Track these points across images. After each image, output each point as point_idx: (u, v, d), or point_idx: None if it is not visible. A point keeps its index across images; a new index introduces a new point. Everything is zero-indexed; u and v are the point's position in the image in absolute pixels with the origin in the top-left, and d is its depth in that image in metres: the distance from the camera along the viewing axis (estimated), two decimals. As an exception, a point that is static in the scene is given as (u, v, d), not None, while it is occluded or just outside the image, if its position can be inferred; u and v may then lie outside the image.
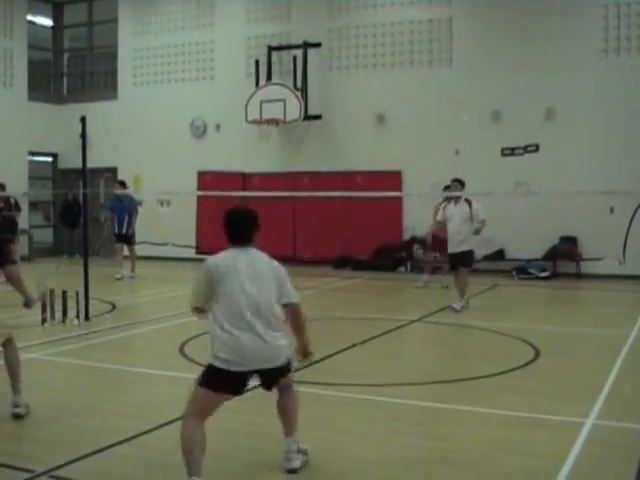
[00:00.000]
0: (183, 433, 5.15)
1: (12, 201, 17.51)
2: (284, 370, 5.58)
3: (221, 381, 5.29)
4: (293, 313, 5.68)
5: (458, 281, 13.69)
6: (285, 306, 5.60)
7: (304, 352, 5.79)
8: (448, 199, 13.93)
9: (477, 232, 13.56)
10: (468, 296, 13.98)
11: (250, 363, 5.29)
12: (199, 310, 5.47)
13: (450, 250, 13.76)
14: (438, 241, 15.33)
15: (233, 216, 5.89)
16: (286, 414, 5.79)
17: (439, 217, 14.01)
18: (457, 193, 13.78)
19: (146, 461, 5.90)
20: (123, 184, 19.42)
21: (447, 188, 14.46)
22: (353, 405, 7.53)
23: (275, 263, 5.77)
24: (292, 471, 5.58)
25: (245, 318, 5.29)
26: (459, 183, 13.91)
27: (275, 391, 5.71)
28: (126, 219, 18.74)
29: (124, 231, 18.80)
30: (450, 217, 13.64)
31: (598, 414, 7.06)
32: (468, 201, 13.57)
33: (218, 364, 5.26)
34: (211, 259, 5.58)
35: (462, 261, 13.63)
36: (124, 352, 10.43)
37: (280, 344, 5.43)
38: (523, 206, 18.38)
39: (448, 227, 13.69)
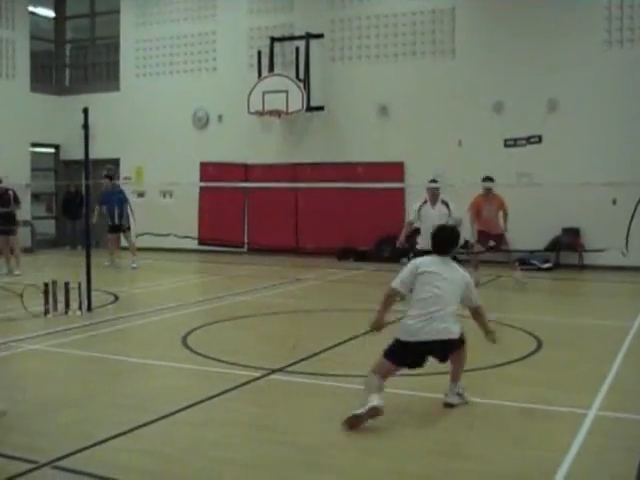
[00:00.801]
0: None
1: (11, 193, 17.44)
2: (457, 342, 7.03)
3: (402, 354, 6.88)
4: (477, 312, 7.34)
5: None
6: (471, 307, 7.26)
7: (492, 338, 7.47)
8: (424, 200, 13.89)
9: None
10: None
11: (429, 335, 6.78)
12: (394, 292, 7.10)
13: (423, 247, 13.25)
14: (484, 236, 16.08)
15: (443, 233, 7.47)
16: (455, 361, 7.16)
17: (412, 217, 13.93)
18: (435, 185, 14.13)
19: (148, 452, 5.90)
20: (110, 178, 19.78)
21: (432, 182, 14.46)
22: (355, 396, 7.51)
23: (464, 272, 7.23)
24: (448, 405, 7.04)
25: (430, 308, 6.81)
26: (435, 183, 14.29)
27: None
28: (116, 210, 19.03)
29: (116, 222, 19.08)
30: (425, 217, 13.57)
31: (600, 405, 7.06)
32: (445, 202, 13.70)
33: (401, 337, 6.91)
34: (420, 259, 7.27)
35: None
36: (126, 343, 10.43)
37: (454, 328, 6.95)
38: (525, 197, 18.35)
39: (423, 227, 13.57)
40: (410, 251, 14.57)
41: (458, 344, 7.08)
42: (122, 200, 19.27)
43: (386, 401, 7.29)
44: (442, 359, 7.06)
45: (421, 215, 13.71)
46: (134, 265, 18.67)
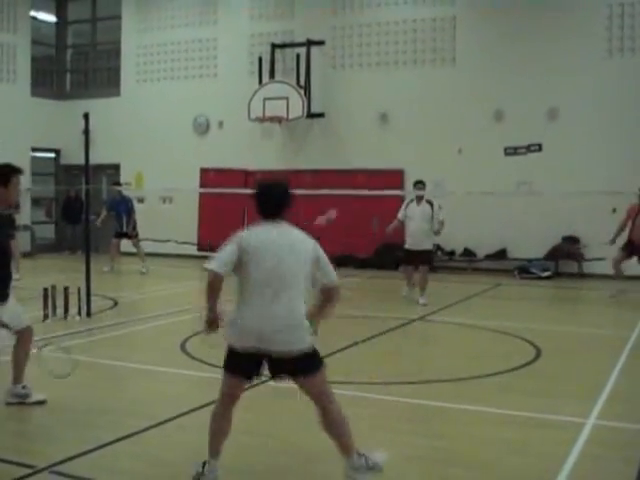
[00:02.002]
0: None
1: None
2: (305, 360, 5.26)
3: (235, 362, 5.30)
4: (329, 295, 5.50)
5: (421, 279, 14.22)
6: (324, 289, 5.46)
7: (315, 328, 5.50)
8: (411, 199, 14.48)
9: (437, 233, 14.37)
10: (469, 295, 13.96)
11: (264, 343, 5.15)
12: (217, 276, 5.26)
13: (409, 247, 14.30)
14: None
15: (266, 187, 5.61)
16: (334, 435, 5.40)
17: (400, 215, 14.44)
18: (421, 192, 14.46)
19: (147, 457, 5.90)
20: (118, 184, 20.11)
21: (417, 184, 14.78)
22: (353, 403, 7.51)
23: (310, 240, 5.54)
24: None
25: (267, 295, 5.19)
26: (423, 184, 14.63)
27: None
28: (124, 218, 19.19)
29: (124, 229, 19.22)
30: (411, 216, 14.14)
31: (599, 414, 7.06)
32: (430, 202, 14.15)
33: (232, 342, 5.29)
34: (243, 232, 5.46)
35: (422, 260, 14.16)
36: (126, 348, 10.43)
37: (298, 327, 5.26)
38: (525, 206, 18.39)
39: (409, 225, 14.22)
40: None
41: (311, 366, 5.37)
42: (130, 209, 19.44)
43: (384, 408, 7.30)
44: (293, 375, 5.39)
45: (407, 214, 14.23)
46: (144, 270, 18.77)
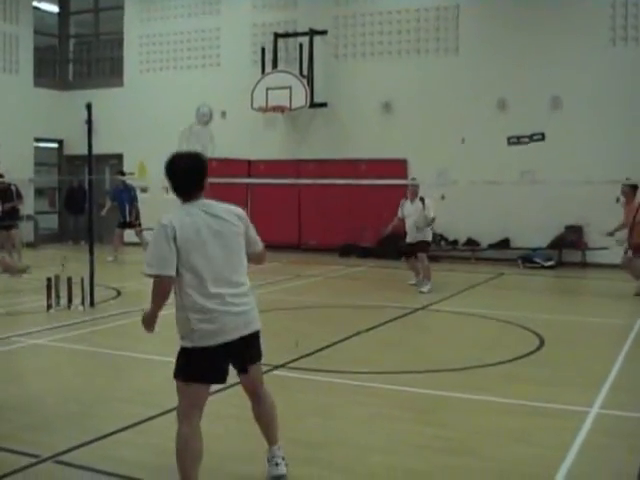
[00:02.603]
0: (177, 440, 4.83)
1: (13, 189, 17.47)
2: (256, 341, 5.10)
3: (199, 365, 4.81)
4: (258, 258, 5.37)
5: (423, 268, 14.63)
6: (253, 254, 5.21)
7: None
8: (405, 197, 14.90)
9: (418, 228, 14.50)
10: (472, 284, 13.95)
11: (223, 334, 4.78)
12: (164, 279, 4.74)
13: (408, 240, 14.74)
14: None
15: (181, 163, 5.02)
16: (264, 423, 5.25)
17: (400, 214, 14.88)
18: (414, 182, 15.23)
19: (151, 447, 5.92)
20: (122, 174, 20.17)
21: (412, 180, 15.54)
22: (357, 392, 7.54)
23: (236, 208, 5.11)
24: (280, 477, 5.17)
25: (209, 286, 4.76)
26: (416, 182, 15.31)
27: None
28: (127, 207, 19.20)
29: (128, 219, 19.23)
30: (407, 214, 14.64)
31: (602, 403, 7.06)
32: (422, 199, 14.51)
33: (190, 343, 4.85)
34: (165, 218, 4.82)
35: (419, 249, 14.59)
36: (129, 338, 10.43)
37: (253, 311, 5.04)
38: (529, 195, 18.39)
39: (407, 223, 14.66)
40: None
41: (257, 355, 5.23)
42: (133, 197, 19.46)
43: (387, 397, 7.31)
44: (242, 368, 5.13)
45: (404, 212, 14.72)
46: None
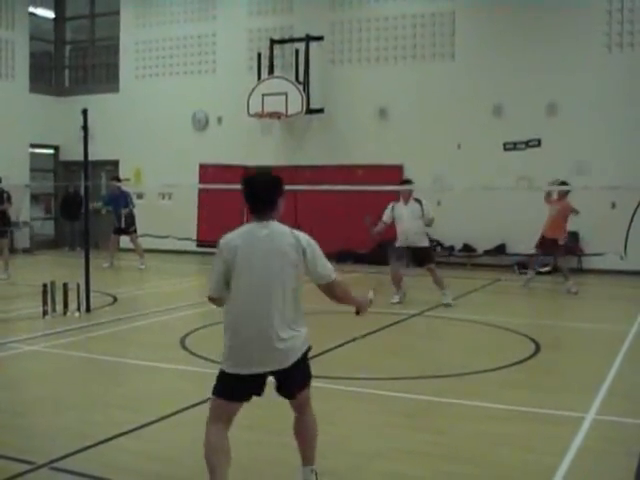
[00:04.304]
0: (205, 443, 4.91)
1: (5, 196, 17.17)
2: (300, 379, 4.97)
3: (231, 387, 4.84)
4: (330, 291, 5.14)
5: (435, 279, 13.78)
6: (322, 285, 5.09)
7: (360, 310, 5.28)
8: (397, 199, 14.10)
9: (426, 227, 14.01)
10: (468, 290, 13.95)
11: (256, 365, 4.75)
12: (216, 302, 4.91)
13: (401, 244, 13.84)
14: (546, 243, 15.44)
15: (255, 182, 4.97)
16: (304, 439, 5.17)
17: (385, 218, 13.98)
18: (408, 187, 14.18)
19: (147, 454, 5.90)
20: (118, 179, 20.13)
21: (404, 183, 14.60)
22: (353, 398, 7.53)
23: (302, 236, 5.09)
24: None
25: (253, 310, 4.71)
26: (410, 184, 14.38)
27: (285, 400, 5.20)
28: (123, 213, 19.14)
29: (122, 225, 19.18)
30: (399, 217, 13.79)
31: (599, 409, 7.06)
32: (418, 200, 13.85)
33: (226, 368, 4.81)
34: (225, 237, 4.93)
35: (425, 259, 13.86)
36: (125, 344, 10.43)
37: (292, 345, 4.80)
38: (525, 201, 18.37)
39: (399, 226, 13.82)
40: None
41: (303, 382, 5.04)
42: (128, 203, 19.40)
43: (383, 403, 7.31)
44: (288, 395, 5.07)
45: (395, 215, 13.86)
46: (142, 266, 18.73)
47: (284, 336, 4.75)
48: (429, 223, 13.92)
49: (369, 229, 13.88)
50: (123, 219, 19.30)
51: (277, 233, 4.91)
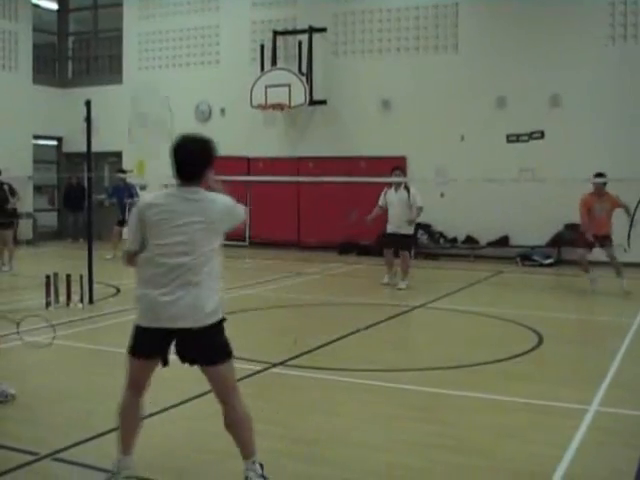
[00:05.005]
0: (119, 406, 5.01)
1: (6, 187, 16.95)
2: (211, 349, 4.86)
3: (141, 342, 4.93)
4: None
5: (401, 263, 14.56)
6: None
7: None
8: (390, 185, 14.76)
9: (411, 221, 14.47)
10: (471, 282, 13.96)
11: (164, 317, 4.72)
12: (131, 258, 4.89)
13: (389, 230, 14.61)
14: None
15: (185, 144, 4.87)
16: (235, 431, 4.96)
17: (380, 202, 14.76)
18: (399, 179, 14.80)
19: (149, 445, 5.90)
20: (123, 172, 20.17)
21: (394, 170, 15.21)
22: (355, 390, 7.54)
23: (223, 203, 4.96)
24: None
25: (172, 268, 4.69)
26: (400, 171, 15.36)
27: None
28: (128, 203, 19.15)
29: (127, 216, 19.17)
30: (390, 202, 14.55)
31: (601, 401, 7.06)
32: (407, 188, 14.45)
33: (136, 321, 4.91)
34: (142, 198, 4.97)
35: (402, 245, 14.53)
36: (128, 336, 10.37)
37: (206, 305, 4.77)
38: (528, 193, 18.37)
39: (389, 212, 14.54)
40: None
41: (220, 355, 4.92)
42: (132, 195, 19.41)
43: (386, 395, 7.31)
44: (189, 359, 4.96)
45: (387, 200, 14.58)
46: None
47: (202, 296, 4.75)
48: (416, 213, 14.38)
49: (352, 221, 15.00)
50: (127, 210, 19.31)
51: (201, 199, 4.84)
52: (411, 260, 15.21)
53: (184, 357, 4.89)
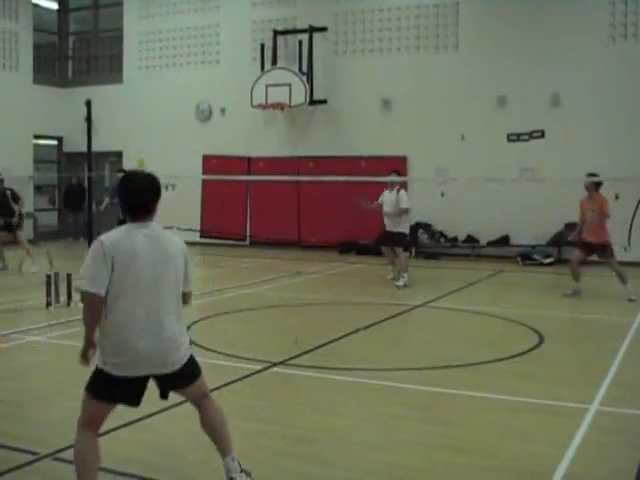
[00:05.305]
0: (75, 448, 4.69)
1: (9, 194, 16.62)
2: (190, 373, 4.89)
3: (114, 389, 4.62)
4: (186, 298, 4.97)
5: (398, 262, 15.10)
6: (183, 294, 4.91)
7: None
8: (387, 184, 15.42)
9: (399, 221, 14.98)
10: (471, 281, 13.95)
11: (146, 367, 4.63)
12: (95, 297, 4.52)
13: (385, 229, 15.24)
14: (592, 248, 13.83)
15: (137, 182, 4.92)
16: (214, 430, 5.01)
17: (379, 200, 15.39)
18: (393, 179, 15.42)
19: (150, 444, 5.91)
20: (124, 172, 20.11)
21: (391, 173, 15.80)
22: (356, 390, 7.54)
23: (181, 242, 4.98)
24: None
25: (142, 315, 4.58)
26: (397, 174, 15.86)
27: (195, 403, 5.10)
28: None
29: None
30: (384, 202, 15.17)
31: (602, 400, 7.06)
32: (398, 190, 15.11)
33: (109, 369, 4.58)
34: (105, 237, 4.73)
35: (396, 242, 15.02)
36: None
37: (185, 345, 4.83)
38: (528, 192, 18.37)
39: (383, 210, 15.18)
40: (413, 245, 14.96)
41: (193, 375, 4.95)
42: None
43: (386, 394, 7.31)
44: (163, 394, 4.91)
45: (383, 199, 15.28)
46: None
47: (179, 339, 4.76)
48: (401, 213, 14.87)
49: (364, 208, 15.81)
50: None
51: (162, 236, 4.85)
52: (409, 259, 15.34)
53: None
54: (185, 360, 4.79)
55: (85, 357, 4.65)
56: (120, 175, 19.73)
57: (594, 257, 14.01)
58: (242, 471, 4.89)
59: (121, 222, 17.60)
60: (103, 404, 4.65)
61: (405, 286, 14.41)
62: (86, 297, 4.55)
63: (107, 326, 4.58)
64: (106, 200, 19.70)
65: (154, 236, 4.77)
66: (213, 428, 4.97)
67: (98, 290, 4.50)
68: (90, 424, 4.66)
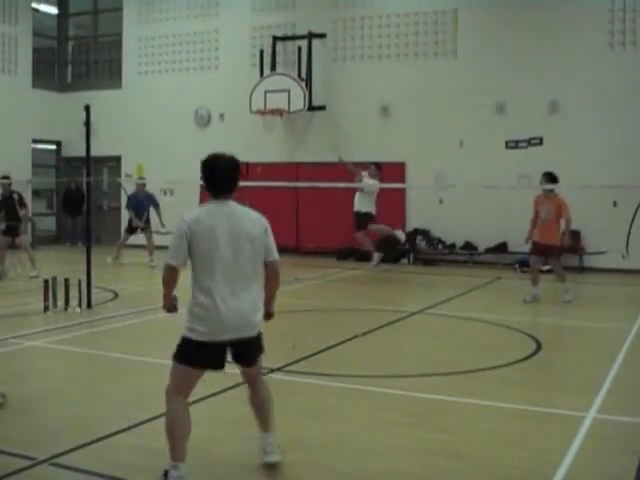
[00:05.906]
0: (167, 414, 5.30)
1: (15, 197, 16.56)
2: (258, 344, 5.48)
3: (200, 355, 5.20)
4: (273, 272, 5.43)
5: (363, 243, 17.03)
6: (266, 264, 5.36)
7: (268, 313, 5.61)
8: (369, 174, 16.75)
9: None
10: (469, 288, 13.98)
11: (227, 332, 5.15)
12: (173, 269, 5.19)
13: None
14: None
15: (220, 162, 5.37)
16: (261, 407, 5.56)
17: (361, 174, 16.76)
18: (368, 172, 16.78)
19: (148, 449, 5.91)
20: (142, 178, 20.24)
21: (373, 164, 17.12)
22: (353, 396, 7.53)
23: (261, 217, 5.37)
24: (272, 464, 5.43)
25: (219, 283, 5.08)
26: (376, 167, 16.92)
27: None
28: (145, 215, 19.09)
29: (142, 224, 19.09)
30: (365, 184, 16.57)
31: (599, 408, 7.06)
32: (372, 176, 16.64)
33: (196, 337, 5.15)
34: (188, 215, 5.20)
35: (357, 223, 16.63)
36: (126, 340, 10.43)
37: (259, 318, 5.42)
38: (526, 199, 18.32)
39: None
40: (411, 252, 14.96)
41: (260, 352, 5.59)
42: (156, 204, 19.29)
43: (384, 401, 7.31)
44: (245, 362, 5.56)
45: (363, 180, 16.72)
46: (153, 264, 18.33)
47: (255, 310, 5.31)
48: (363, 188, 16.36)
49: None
50: (144, 219, 19.15)
51: (241, 212, 5.27)
52: (408, 265, 15.46)
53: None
54: (259, 329, 5.39)
55: (169, 308, 5.42)
56: (139, 182, 19.64)
57: (593, 264, 14.05)
58: (279, 446, 5.46)
59: (131, 228, 17.37)
60: (190, 369, 5.21)
61: (377, 264, 16.60)
62: (164, 267, 5.24)
63: (194, 295, 5.17)
64: (131, 213, 19.38)
65: (233, 213, 5.19)
66: (261, 406, 5.53)
67: (175, 262, 5.15)
68: (179, 390, 5.28)
